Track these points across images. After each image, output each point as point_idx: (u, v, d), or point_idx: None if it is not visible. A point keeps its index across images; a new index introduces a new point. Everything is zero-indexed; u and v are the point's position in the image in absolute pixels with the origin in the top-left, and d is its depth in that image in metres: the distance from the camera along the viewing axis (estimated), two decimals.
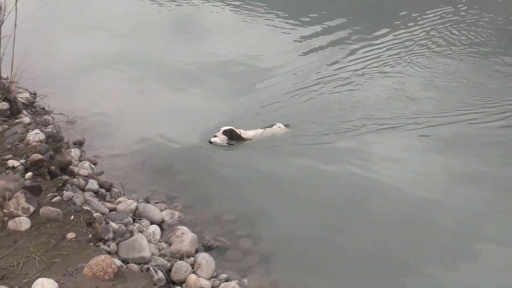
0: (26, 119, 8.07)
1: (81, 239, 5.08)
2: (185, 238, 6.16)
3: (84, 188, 6.83)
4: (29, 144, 6.60)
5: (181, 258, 5.85)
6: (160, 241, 6.20)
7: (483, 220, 7.06)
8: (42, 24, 12.36)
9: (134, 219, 6.38)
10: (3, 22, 8.19)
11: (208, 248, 6.33)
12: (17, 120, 7.85)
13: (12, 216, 5.20)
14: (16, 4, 8.16)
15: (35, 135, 6.74)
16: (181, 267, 5.62)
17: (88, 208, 5.76)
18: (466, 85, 11.17)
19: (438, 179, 8.00)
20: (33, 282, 4.24)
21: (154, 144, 8.98)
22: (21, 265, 4.58)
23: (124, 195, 7.18)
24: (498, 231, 6.83)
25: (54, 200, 5.60)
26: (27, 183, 5.71)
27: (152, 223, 6.57)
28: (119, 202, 6.73)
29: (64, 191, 5.87)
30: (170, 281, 5.45)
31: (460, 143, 8.95)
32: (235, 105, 10.41)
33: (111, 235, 5.56)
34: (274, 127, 9.27)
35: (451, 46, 13.47)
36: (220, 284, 5.68)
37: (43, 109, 9.56)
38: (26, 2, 8.82)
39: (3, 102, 8.05)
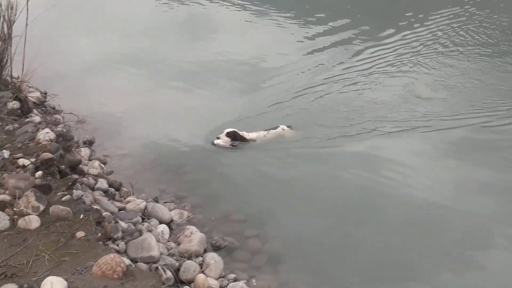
0: (37, 118, 8.10)
1: (90, 238, 5.09)
2: (194, 237, 6.16)
3: (94, 187, 6.86)
4: (40, 143, 6.63)
5: (189, 258, 5.86)
6: (168, 241, 6.22)
7: (492, 227, 6.99)
8: (53, 23, 12.40)
9: (143, 219, 6.40)
10: (14, 22, 8.23)
11: (216, 248, 6.34)
12: (27, 119, 7.88)
13: (22, 214, 5.22)
14: (27, 3, 8.19)
15: (46, 134, 6.77)
16: (190, 266, 5.63)
17: (98, 207, 5.77)
18: (477, 86, 11.11)
19: (448, 184, 7.95)
20: (43, 281, 4.25)
21: (164, 143, 9.00)
22: (30, 263, 4.60)
23: (133, 194, 7.21)
24: (506, 237, 6.80)
25: (64, 199, 5.62)
26: (37, 181, 5.73)
27: (161, 222, 6.58)
28: (128, 202, 6.75)
29: (74, 190, 5.88)
30: (178, 281, 5.45)
31: (471, 147, 8.90)
32: (242, 105, 10.43)
33: (120, 234, 5.57)
34: (278, 129, 9.25)
35: (459, 47, 13.44)
36: (228, 284, 5.68)
37: (54, 108, 9.60)
38: (37, 1, 8.85)
39: (14, 101, 8.08)
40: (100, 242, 5.15)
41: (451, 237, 6.77)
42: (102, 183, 7.00)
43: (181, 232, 6.38)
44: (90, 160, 7.94)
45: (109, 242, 5.40)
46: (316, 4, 18.02)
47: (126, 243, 5.58)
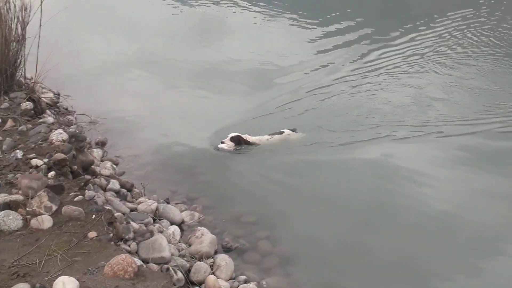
0: (50, 119, 8.15)
1: (102, 238, 5.11)
2: (205, 239, 6.17)
3: (106, 188, 6.89)
4: (53, 143, 6.67)
5: (200, 259, 5.86)
6: (179, 242, 6.22)
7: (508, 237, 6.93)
8: (66, 25, 12.49)
9: (154, 219, 6.41)
10: (28, 23, 8.28)
11: (227, 250, 6.34)
12: (40, 120, 7.93)
13: (34, 214, 5.25)
14: (41, 5, 8.25)
15: (59, 135, 6.82)
16: (200, 268, 5.64)
17: (110, 208, 5.79)
18: (490, 90, 11.00)
19: (461, 192, 7.82)
20: (55, 280, 4.27)
21: (175, 145, 9.03)
22: (43, 263, 4.62)
23: (145, 195, 7.22)
24: None
25: (76, 199, 5.64)
26: (50, 182, 5.76)
27: (172, 223, 6.60)
28: (140, 202, 6.77)
29: (86, 191, 5.90)
30: (189, 282, 5.46)
31: (485, 154, 8.77)
32: (252, 107, 10.45)
33: (131, 235, 5.59)
34: (283, 135, 9.16)
35: (471, 49, 13.33)
36: (239, 286, 5.67)
37: (66, 109, 9.65)
38: (51, 3, 8.91)
39: (28, 102, 8.13)
40: (112, 243, 5.17)
41: (463, 245, 6.68)
42: (114, 184, 7.02)
43: (192, 233, 6.38)
44: (102, 161, 7.98)
45: (121, 243, 5.41)
46: (326, 5, 18.02)
47: (137, 244, 5.60)
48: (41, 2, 8.25)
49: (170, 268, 5.31)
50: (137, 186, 7.40)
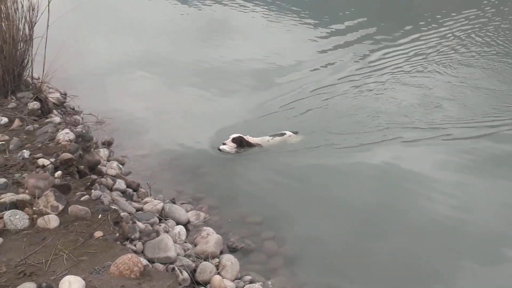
0: (57, 119, 8.19)
1: (108, 238, 5.12)
2: (210, 239, 6.18)
3: (112, 187, 6.91)
4: (59, 143, 6.70)
5: (206, 259, 5.87)
6: (185, 242, 6.23)
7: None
8: (73, 25, 12.55)
9: (160, 219, 6.42)
10: (35, 23, 8.32)
11: (232, 250, 6.34)
12: (47, 120, 7.97)
13: (41, 213, 5.27)
14: (48, 5, 8.28)
15: (65, 135, 6.84)
16: (206, 268, 5.65)
17: (116, 208, 5.81)
18: (497, 91, 10.90)
19: (469, 196, 7.72)
20: (61, 280, 4.28)
21: (181, 145, 9.04)
22: (49, 262, 4.64)
23: (150, 195, 7.24)
24: None
25: (82, 199, 5.66)
26: (57, 181, 5.78)
27: (177, 223, 6.61)
28: (146, 202, 6.79)
29: (93, 190, 5.92)
30: (194, 282, 5.47)
31: (492, 156, 8.69)
32: (257, 107, 10.46)
33: (137, 235, 5.60)
34: (285, 136, 9.11)
35: (478, 50, 13.24)
36: (244, 286, 5.67)
37: (73, 109, 9.69)
38: (58, 3, 8.94)
39: (35, 102, 8.17)
40: (118, 242, 5.18)
41: (468, 250, 6.61)
42: (120, 184, 7.05)
43: (198, 233, 6.40)
44: (108, 160, 8.01)
45: (127, 242, 5.43)
46: (329, 6, 18.03)
47: (143, 244, 5.61)
48: (49, 3, 8.29)
49: (176, 268, 5.32)
50: (143, 186, 7.43)
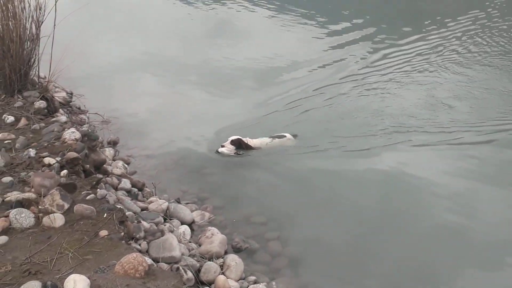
0: (63, 118, 8.21)
1: (113, 237, 5.13)
2: (215, 239, 6.19)
3: (117, 187, 6.93)
4: (65, 142, 6.72)
5: (210, 259, 5.88)
6: (190, 242, 6.24)
7: None
8: (80, 25, 12.58)
9: (165, 219, 6.44)
10: (42, 22, 8.34)
11: (237, 250, 6.35)
12: (53, 119, 7.98)
13: (47, 212, 5.28)
14: (55, 4, 8.30)
15: (71, 134, 6.86)
16: (210, 267, 5.66)
17: (121, 207, 5.82)
18: (503, 93, 10.83)
19: (475, 202, 7.63)
20: (66, 278, 4.29)
21: (186, 145, 9.04)
22: (54, 261, 4.65)
23: (155, 195, 7.26)
24: None
25: (88, 198, 5.68)
26: (62, 180, 5.80)
27: (182, 223, 6.62)
28: (151, 202, 6.80)
29: (98, 189, 5.95)
30: (199, 282, 5.48)
31: (499, 162, 8.60)
32: (260, 109, 10.45)
33: (142, 234, 5.61)
34: (284, 138, 9.02)
35: (483, 52, 13.17)
36: (248, 286, 5.69)
37: (79, 108, 9.71)
38: (65, 2, 8.96)
39: (41, 101, 8.19)
40: (123, 241, 5.19)
41: (474, 256, 6.57)
42: (126, 183, 7.07)
43: (202, 233, 6.41)
44: (114, 160, 8.02)
45: (132, 242, 5.44)
46: (337, 4, 18.02)
47: (148, 243, 5.62)
48: (56, 2, 8.29)
49: (180, 268, 5.33)
50: (148, 185, 7.45)
